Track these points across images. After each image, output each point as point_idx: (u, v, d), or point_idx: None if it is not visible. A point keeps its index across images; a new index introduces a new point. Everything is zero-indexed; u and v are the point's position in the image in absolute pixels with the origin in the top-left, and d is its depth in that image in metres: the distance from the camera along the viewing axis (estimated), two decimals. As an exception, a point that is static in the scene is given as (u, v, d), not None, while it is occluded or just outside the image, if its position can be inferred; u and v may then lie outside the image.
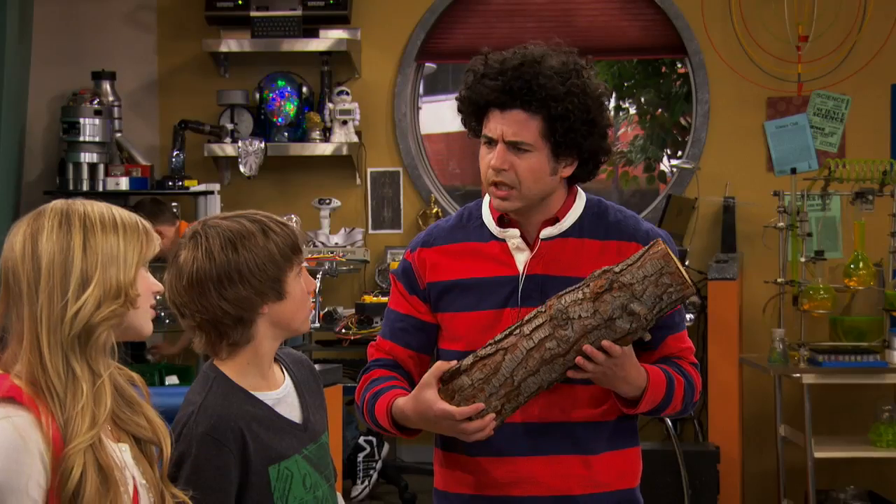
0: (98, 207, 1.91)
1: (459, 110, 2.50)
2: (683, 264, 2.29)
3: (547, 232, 2.45)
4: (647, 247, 2.26)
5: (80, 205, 1.90)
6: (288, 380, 2.29)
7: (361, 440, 5.60)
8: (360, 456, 5.55)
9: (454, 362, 2.34)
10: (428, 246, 2.52)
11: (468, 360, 2.33)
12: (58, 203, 1.91)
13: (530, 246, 2.45)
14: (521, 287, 2.42)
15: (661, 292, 2.21)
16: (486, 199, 2.51)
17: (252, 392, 2.19)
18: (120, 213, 1.92)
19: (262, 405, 2.19)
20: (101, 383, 1.85)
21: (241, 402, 2.16)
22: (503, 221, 2.48)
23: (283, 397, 2.24)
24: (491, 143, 2.41)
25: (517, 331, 2.29)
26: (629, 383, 2.34)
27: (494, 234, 2.47)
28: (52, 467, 1.77)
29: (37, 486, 1.76)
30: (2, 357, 1.87)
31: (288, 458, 2.18)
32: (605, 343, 2.23)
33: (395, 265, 5.25)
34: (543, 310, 2.28)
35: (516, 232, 2.46)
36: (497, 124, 2.40)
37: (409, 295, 2.53)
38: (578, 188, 2.51)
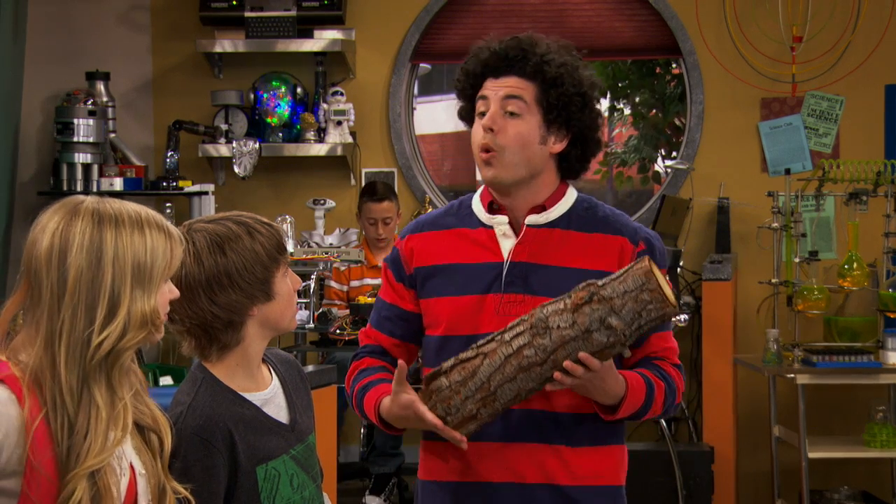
0: (129, 217, 1.84)
1: (458, 94, 2.54)
2: (674, 274, 2.27)
3: (533, 219, 2.46)
4: (633, 263, 2.25)
5: (113, 214, 1.82)
6: (276, 380, 2.28)
7: None
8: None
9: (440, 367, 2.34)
10: (416, 232, 2.55)
11: (449, 363, 2.32)
12: (89, 205, 1.83)
13: (517, 234, 2.46)
14: (504, 273, 2.43)
15: (641, 309, 2.19)
16: (479, 190, 2.54)
17: (240, 393, 2.19)
18: (149, 222, 1.86)
19: (250, 406, 2.18)
20: (123, 406, 1.82)
21: (229, 402, 2.16)
22: (492, 208, 2.49)
23: (270, 398, 2.24)
24: (483, 115, 2.45)
25: (499, 337, 2.28)
26: (607, 393, 2.34)
27: (483, 220, 2.49)
28: (22, 464, 1.75)
29: None
30: (12, 342, 1.83)
31: (275, 459, 2.18)
32: (583, 356, 2.22)
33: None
34: (527, 318, 2.26)
35: (504, 218, 2.47)
36: (491, 88, 2.45)
37: (395, 282, 2.56)
38: (570, 185, 2.53)
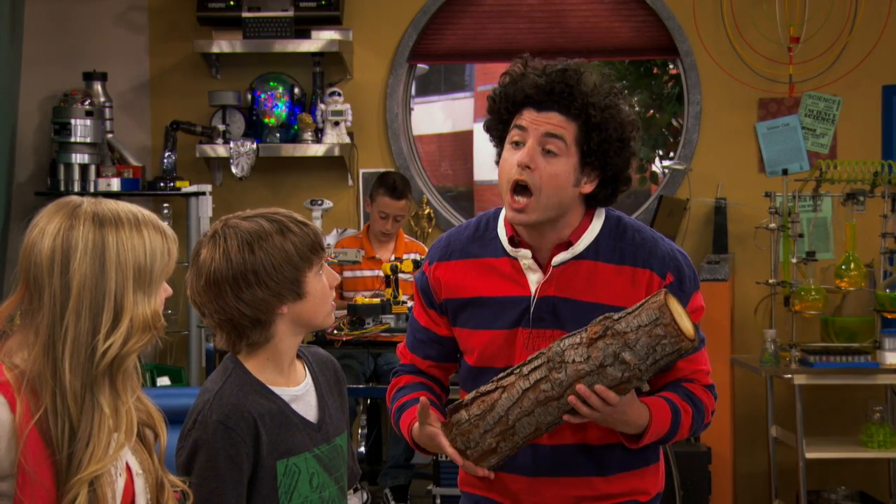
0: (128, 219, 1.83)
1: (489, 110, 2.45)
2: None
3: (560, 258, 2.39)
4: (650, 296, 2.19)
5: (112, 216, 1.83)
6: (309, 378, 2.30)
7: None
8: None
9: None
10: (444, 260, 2.49)
11: (470, 396, 2.33)
12: (88, 208, 1.83)
13: (542, 267, 2.40)
14: (532, 308, 2.38)
15: (655, 343, 2.15)
16: (503, 212, 2.46)
17: (269, 386, 2.21)
18: (146, 223, 1.86)
19: (278, 399, 2.20)
20: (127, 410, 1.82)
21: (256, 394, 2.18)
22: (514, 242, 2.42)
23: (300, 395, 2.25)
24: (518, 145, 2.36)
25: (518, 370, 2.27)
26: (629, 424, 2.31)
27: (507, 251, 2.43)
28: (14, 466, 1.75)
29: None
30: (6, 343, 1.82)
31: (297, 455, 2.19)
32: (600, 388, 2.18)
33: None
34: (545, 351, 2.25)
35: (528, 252, 2.41)
36: (532, 120, 2.35)
37: (427, 308, 2.52)
38: (596, 209, 2.45)
